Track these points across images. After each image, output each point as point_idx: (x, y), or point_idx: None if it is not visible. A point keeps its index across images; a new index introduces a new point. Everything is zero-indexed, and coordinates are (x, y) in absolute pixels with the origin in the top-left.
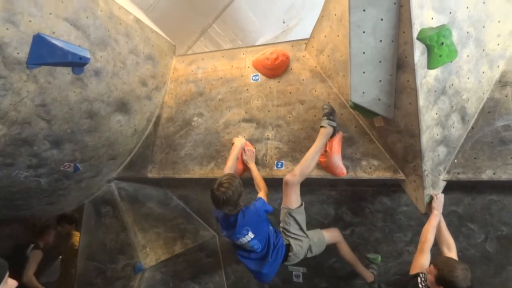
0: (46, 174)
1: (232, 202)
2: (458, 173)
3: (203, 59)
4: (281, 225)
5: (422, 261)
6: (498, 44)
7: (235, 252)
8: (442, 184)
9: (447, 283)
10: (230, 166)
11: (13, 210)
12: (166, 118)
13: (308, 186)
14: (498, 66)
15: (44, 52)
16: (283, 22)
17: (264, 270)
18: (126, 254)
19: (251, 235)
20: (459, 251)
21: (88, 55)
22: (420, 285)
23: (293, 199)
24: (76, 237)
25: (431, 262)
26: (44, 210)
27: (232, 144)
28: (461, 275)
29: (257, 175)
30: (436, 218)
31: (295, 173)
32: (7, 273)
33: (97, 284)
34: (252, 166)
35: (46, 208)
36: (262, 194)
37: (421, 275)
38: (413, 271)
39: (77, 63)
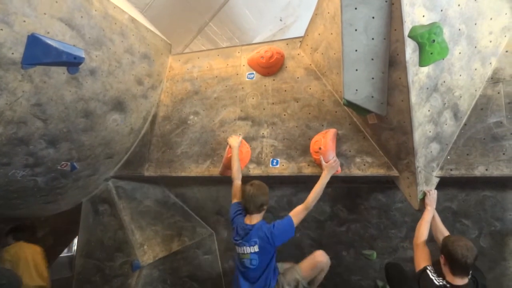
0: (43, 173)
1: (258, 201)
2: (451, 170)
3: (198, 58)
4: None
5: (423, 255)
6: (490, 41)
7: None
8: (435, 181)
9: (448, 252)
10: (236, 168)
11: (10, 209)
12: (162, 116)
13: (304, 183)
14: (491, 63)
15: (38, 52)
16: (280, 20)
17: None
18: (124, 251)
19: (256, 248)
20: None
21: (82, 54)
22: (431, 276)
23: (309, 269)
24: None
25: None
26: (41, 209)
27: (227, 144)
28: (462, 247)
29: (319, 188)
30: (430, 214)
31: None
32: None
33: (95, 282)
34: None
35: (44, 207)
36: (300, 207)
37: (428, 267)
38: (419, 267)
39: (72, 63)
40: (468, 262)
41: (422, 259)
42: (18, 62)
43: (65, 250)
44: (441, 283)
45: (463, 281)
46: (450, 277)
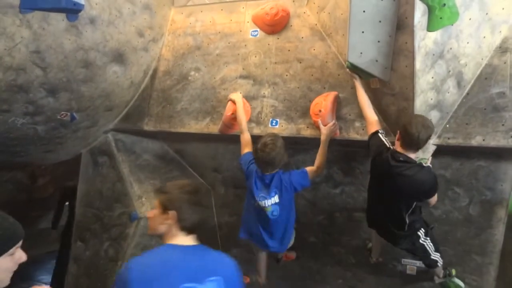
0: (43, 122)
1: (276, 163)
2: (448, 138)
3: (201, 11)
4: None
5: (374, 122)
6: (503, 8)
7: (254, 217)
8: (432, 148)
9: (403, 128)
10: (244, 122)
11: (11, 156)
12: (163, 71)
13: (301, 145)
14: (500, 32)
15: None
16: None
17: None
18: (122, 203)
19: (276, 198)
20: (443, 213)
21: (82, 1)
22: (381, 137)
23: None
24: None
25: None
26: (42, 157)
27: (229, 101)
28: (415, 123)
29: (323, 152)
30: (357, 83)
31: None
32: (18, 244)
33: (95, 229)
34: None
35: (44, 155)
36: (312, 167)
37: (380, 130)
38: (370, 131)
39: (71, 9)
40: (420, 136)
41: (372, 127)
42: (16, 6)
43: None
44: (389, 146)
45: (408, 152)
46: (398, 148)
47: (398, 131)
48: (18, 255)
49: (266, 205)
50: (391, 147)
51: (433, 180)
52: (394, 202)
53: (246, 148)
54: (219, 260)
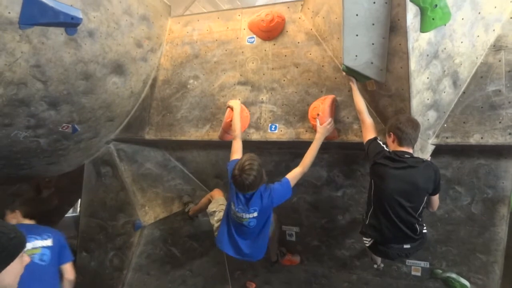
0: (45, 135)
1: (256, 185)
2: (446, 137)
3: (198, 20)
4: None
5: (371, 127)
6: (495, 7)
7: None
8: (431, 148)
9: (393, 128)
10: (238, 127)
11: (15, 170)
12: (162, 80)
13: (301, 149)
14: (494, 30)
15: (35, 12)
16: None
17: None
18: (126, 212)
19: (255, 214)
20: (445, 212)
21: (80, 15)
22: (381, 143)
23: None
24: None
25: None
26: (45, 169)
27: (228, 107)
28: (405, 122)
29: (313, 150)
30: (353, 86)
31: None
32: (24, 249)
33: (99, 240)
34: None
35: (47, 168)
36: (297, 170)
37: (378, 137)
38: (368, 137)
39: (70, 23)
40: (416, 132)
41: (370, 131)
42: (16, 22)
43: (70, 211)
44: (389, 150)
45: (408, 149)
46: (397, 148)
47: (391, 133)
48: (25, 257)
49: (244, 217)
50: (390, 150)
51: (438, 169)
52: (406, 200)
53: (235, 155)
54: (51, 229)
